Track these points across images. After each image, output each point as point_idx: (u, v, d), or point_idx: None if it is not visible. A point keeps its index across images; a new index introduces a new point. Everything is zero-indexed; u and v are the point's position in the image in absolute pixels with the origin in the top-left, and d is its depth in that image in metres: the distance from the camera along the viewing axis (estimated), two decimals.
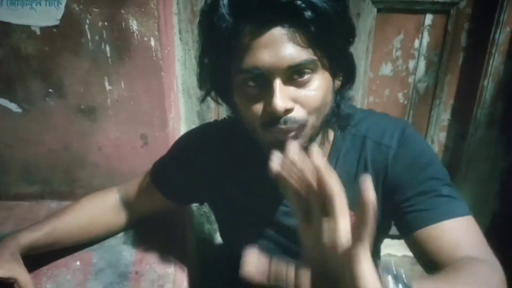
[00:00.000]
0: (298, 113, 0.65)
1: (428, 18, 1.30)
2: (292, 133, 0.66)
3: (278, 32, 0.61)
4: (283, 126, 0.64)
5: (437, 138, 1.46)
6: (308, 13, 0.60)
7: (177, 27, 1.12)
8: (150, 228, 1.00)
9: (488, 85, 1.29)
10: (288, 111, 0.64)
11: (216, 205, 0.93)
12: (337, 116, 0.74)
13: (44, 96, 1.04)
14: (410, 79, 1.38)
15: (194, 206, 1.39)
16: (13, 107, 1.06)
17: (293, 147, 0.46)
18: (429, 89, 1.40)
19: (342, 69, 0.71)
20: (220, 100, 0.76)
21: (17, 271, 0.78)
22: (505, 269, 0.63)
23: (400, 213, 0.74)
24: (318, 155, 0.43)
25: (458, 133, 1.44)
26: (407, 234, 0.73)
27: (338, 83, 0.72)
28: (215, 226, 1.47)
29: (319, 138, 0.75)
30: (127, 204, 0.95)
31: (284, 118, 0.64)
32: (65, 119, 1.07)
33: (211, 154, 0.84)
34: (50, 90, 1.03)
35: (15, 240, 0.82)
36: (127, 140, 1.09)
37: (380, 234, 0.86)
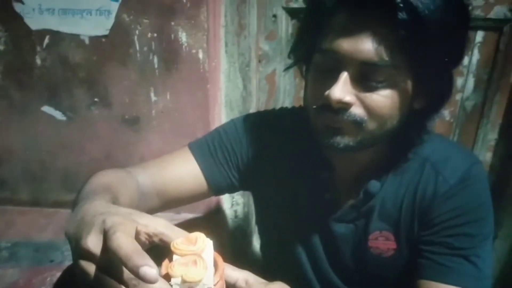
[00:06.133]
0: (356, 110, 0.61)
1: (479, 35, 1.25)
2: (342, 126, 0.62)
3: (366, 25, 0.57)
4: (334, 115, 0.62)
5: (483, 158, 1.40)
6: (402, 15, 0.54)
7: (224, 39, 1.11)
8: None
9: None
10: (344, 105, 0.60)
11: (259, 194, 0.88)
12: (405, 140, 0.69)
13: (89, 105, 1.04)
14: (458, 97, 1.33)
15: (230, 219, 1.37)
16: (58, 114, 1.06)
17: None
18: (477, 107, 1.34)
19: (431, 90, 0.63)
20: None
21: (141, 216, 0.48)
22: None
23: (417, 251, 0.70)
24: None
25: (506, 153, 1.38)
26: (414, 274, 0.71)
27: (420, 102, 0.65)
28: (247, 240, 1.45)
29: (371, 151, 0.69)
30: (154, 188, 0.79)
31: (339, 108, 0.61)
32: (108, 129, 1.06)
33: (268, 141, 0.80)
34: (95, 99, 1.03)
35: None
36: (169, 151, 1.08)
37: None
